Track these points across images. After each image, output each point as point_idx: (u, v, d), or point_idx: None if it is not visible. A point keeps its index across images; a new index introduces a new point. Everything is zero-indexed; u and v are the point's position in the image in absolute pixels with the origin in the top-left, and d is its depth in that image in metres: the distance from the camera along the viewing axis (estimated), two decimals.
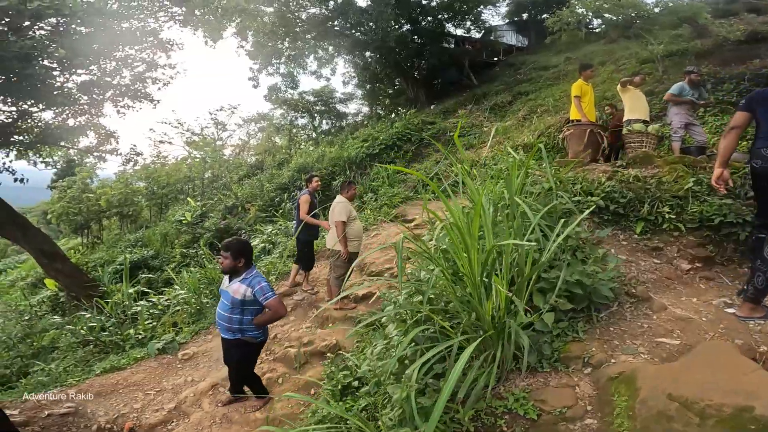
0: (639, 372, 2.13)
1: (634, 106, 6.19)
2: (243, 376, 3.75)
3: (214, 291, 6.67)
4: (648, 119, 6.27)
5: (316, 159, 13.87)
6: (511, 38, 22.78)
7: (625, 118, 6.25)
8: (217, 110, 20.15)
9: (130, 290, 7.24)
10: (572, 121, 6.36)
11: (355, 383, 3.18)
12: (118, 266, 13.12)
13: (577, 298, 2.57)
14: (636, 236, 4.10)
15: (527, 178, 4.02)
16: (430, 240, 3.64)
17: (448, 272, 2.25)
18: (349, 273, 4.35)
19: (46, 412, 4.06)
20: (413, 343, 2.38)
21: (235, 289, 3.40)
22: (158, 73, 11.90)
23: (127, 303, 6.93)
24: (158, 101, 11.74)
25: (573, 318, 2.69)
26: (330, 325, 5.11)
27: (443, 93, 19.56)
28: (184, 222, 13.86)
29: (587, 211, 2.73)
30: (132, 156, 12.44)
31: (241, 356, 3.59)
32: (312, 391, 3.80)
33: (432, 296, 2.46)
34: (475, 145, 12.08)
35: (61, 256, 10.70)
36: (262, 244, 8.66)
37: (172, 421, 3.84)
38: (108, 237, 20.39)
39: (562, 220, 2.52)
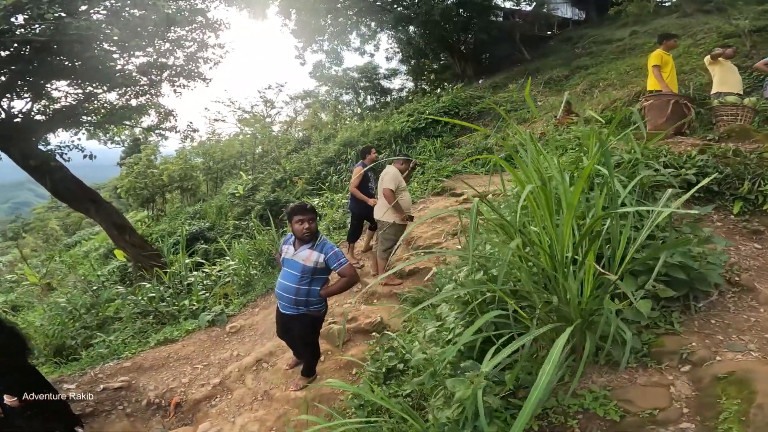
0: (755, 373, 1.73)
1: (725, 78, 5.76)
2: (309, 345, 3.45)
3: (262, 262, 6.58)
4: (741, 93, 5.77)
5: (361, 133, 13.59)
6: (566, 11, 20.91)
7: (714, 91, 5.87)
8: (266, 89, 20.16)
9: (187, 261, 7.31)
10: (651, 92, 5.79)
11: (401, 366, 2.88)
12: (178, 237, 13.58)
13: (676, 284, 2.06)
14: (733, 217, 3.44)
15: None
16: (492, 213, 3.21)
17: (523, 248, 1.83)
18: (396, 246, 4.00)
19: (102, 386, 4.08)
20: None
21: (306, 256, 3.08)
22: (209, 53, 11.98)
23: (183, 273, 6.99)
24: (210, 80, 11.80)
25: (666, 307, 2.20)
26: (375, 301, 4.82)
27: (492, 68, 18.42)
28: (236, 195, 14.11)
29: (698, 186, 2.18)
30: (189, 132, 12.69)
31: (306, 331, 3.30)
32: (354, 371, 3.53)
33: (495, 275, 2.06)
34: (528, 119, 11.21)
35: (129, 228, 11.16)
36: None
37: (216, 397, 3.73)
38: (171, 210, 21.34)
39: (669, 191, 2.00)
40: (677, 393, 1.76)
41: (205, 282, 6.60)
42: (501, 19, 18.31)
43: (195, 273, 6.78)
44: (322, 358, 3.63)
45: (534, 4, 18.89)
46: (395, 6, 16.63)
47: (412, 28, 17.63)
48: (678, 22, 14.86)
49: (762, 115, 6.03)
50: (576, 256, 1.68)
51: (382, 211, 4.83)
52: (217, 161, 19.38)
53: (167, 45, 11.24)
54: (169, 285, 6.73)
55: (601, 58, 14.51)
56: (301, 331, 3.29)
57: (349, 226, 6.06)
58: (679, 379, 1.82)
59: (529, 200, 1.67)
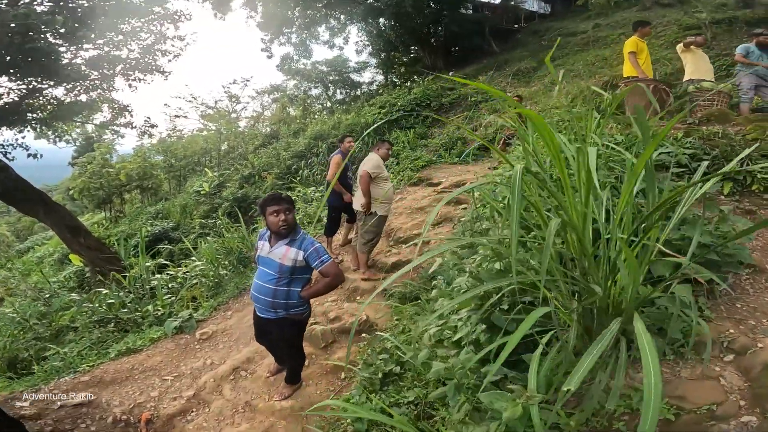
0: None
1: (697, 66, 5.91)
2: (292, 349, 3.07)
3: (232, 261, 6.12)
4: (713, 80, 5.91)
5: (331, 126, 13.22)
6: (532, 4, 21.15)
7: (686, 78, 6.01)
8: (230, 83, 19.34)
9: (148, 263, 6.71)
10: (628, 78, 5.89)
11: (397, 369, 2.60)
12: (139, 239, 12.81)
13: (706, 266, 1.87)
14: (723, 197, 3.37)
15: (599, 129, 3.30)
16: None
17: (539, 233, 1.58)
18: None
19: (59, 403, 3.59)
20: (484, 331, 1.74)
21: (284, 253, 2.69)
22: (168, 46, 11.24)
23: (145, 277, 6.42)
24: (169, 73, 11.08)
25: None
26: (358, 298, 4.51)
27: (462, 60, 18.36)
28: (202, 192, 13.39)
29: (729, 166, 2.00)
30: (147, 128, 11.84)
31: (288, 335, 2.92)
32: (342, 376, 3.22)
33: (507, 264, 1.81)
34: (499, 110, 11.16)
35: (83, 230, 10.31)
36: None
37: (192, 411, 3.31)
38: (130, 211, 20.13)
39: (703, 163, 1.80)
40: (729, 385, 1.56)
41: (170, 285, 6.07)
42: (471, 11, 18.28)
43: (158, 276, 6.22)
44: (306, 362, 3.29)
45: None
46: None
47: (382, 20, 17.30)
48: (638, 15, 15.32)
49: (733, 102, 6.19)
50: (633, 238, 1.44)
51: (361, 200, 4.53)
52: (179, 158, 18.39)
53: (120, 37, 10.46)
54: (130, 290, 6.15)
55: (566, 49, 14.69)
56: (283, 336, 2.93)
57: (325, 219, 5.70)
58: (726, 370, 1.63)
59: (558, 165, 1.41)
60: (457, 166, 8.94)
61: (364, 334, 3.47)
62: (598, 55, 12.08)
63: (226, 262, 6.13)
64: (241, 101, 21.51)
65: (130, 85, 11.11)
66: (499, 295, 1.56)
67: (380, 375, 2.53)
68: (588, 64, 11.91)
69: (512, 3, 19.28)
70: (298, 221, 2.86)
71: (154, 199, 18.87)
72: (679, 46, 6.19)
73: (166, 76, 10.72)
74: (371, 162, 4.48)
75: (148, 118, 11.72)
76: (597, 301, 1.43)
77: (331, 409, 2.50)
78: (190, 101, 18.42)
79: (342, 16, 18.64)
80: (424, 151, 9.99)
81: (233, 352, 4.21)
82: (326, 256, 2.72)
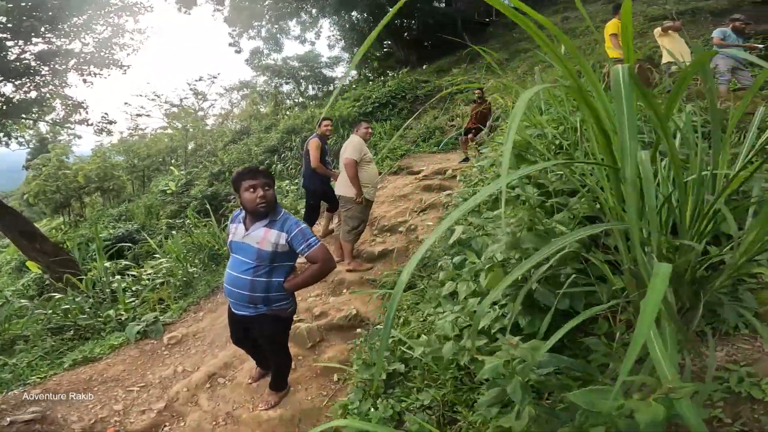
0: None
1: (675, 49, 5.99)
2: (277, 351, 2.60)
3: (203, 259, 5.59)
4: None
5: (305, 120, 12.76)
6: None
7: (664, 61, 6.17)
8: (196, 80, 18.46)
9: (107, 264, 6.07)
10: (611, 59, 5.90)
11: (402, 367, 2.23)
12: (102, 242, 11.99)
13: None
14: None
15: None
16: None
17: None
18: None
19: (9, 419, 3.04)
20: (521, 313, 1.42)
21: (262, 236, 2.24)
22: (126, 39, 10.46)
23: (105, 279, 5.79)
24: (128, 67, 10.30)
25: None
26: (345, 291, 4.12)
27: (435, 53, 18.22)
28: (168, 192, 12.61)
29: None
30: (104, 126, 10.99)
31: (271, 335, 2.46)
32: (335, 378, 2.84)
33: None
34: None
35: (39, 235, 9.44)
36: None
37: (164, 425, 2.84)
38: (92, 214, 18.89)
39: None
40: None
41: (135, 288, 5.50)
42: (443, 5, 18.15)
43: (118, 277, 5.63)
44: (293, 365, 2.88)
45: None
46: None
47: (355, 13, 16.92)
48: (604, 8, 15.67)
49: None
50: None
51: (344, 187, 4.14)
52: (142, 158, 17.35)
53: (74, 29, 9.62)
54: (89, 294, 5.54)
55: (537, 42, 14.78)
56: (265, 336, 2.47)
57: (303, 210, 5.27)
58: None
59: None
60: (436, 155, 8.81)
61: (359, 330, 3.10)
62: (580, 43, 12.07)
63: (197, 260, 5.60)
64: (208, 99, 20.65)
65: (85, 81, 10.27)
66: (548, 265, 1.23)
67: (383, 376, 2.16)
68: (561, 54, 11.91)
69: None
70: None
71: (116, 202, 17.76)
72: (657, 30, 6.30)
73: (125, 71, 9.95)
74: (352, 146, 4.11)
75: (106, 114, 10.87)
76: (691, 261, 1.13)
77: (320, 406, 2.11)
78: (152, 99, 17.47)
79: (314, 10, 18.11)
80: (402, 141, 9.75)
81: (208, 357, 3.74)
82: (313, 238, 2.29)
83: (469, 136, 7.09)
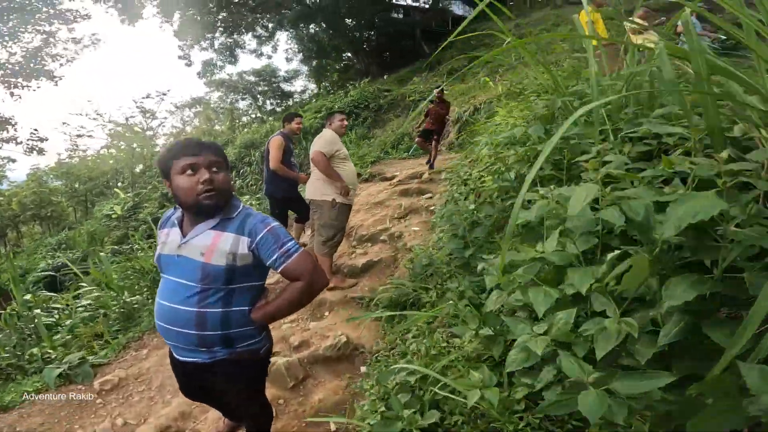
0: None
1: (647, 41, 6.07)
2: (250, 405, 1.77)
3: (147, 285, 4.74)
4: None
5: (264, 134, 12.06)
6: (458, 8, 21.76)
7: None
8: (144, 97, 17.27)
9: (26, 296, 5.04)
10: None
11: (436, 416, 1.53)
12: (39, 274, 10.61)
13: None
14: None
15: None
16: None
17: None
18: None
19: None
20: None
21: (209, 245, 1.47)
22: (59, 49, 9.45)
23: (28, 314, 4.79)
24: (60, 78, 9.29)
25: None
26: (326, 314, 3.45)
27: (395, 64, 18.13)
28: (114, 216, 11.40)
29: None
30: (34, 144, 9.80)
31: (240, 387, 1.66)
32: (333, 429, 2.15)
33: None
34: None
35: None
36: None
37: None
38: (30, 244, 16.97)
39: None
40: None
41: (68, 322, 4.56)
42: (402, 15, 18.14)
43: (37, 311, 4.68)
44: (273, 412, 2.12)
45: (431, 2, 19.09)
46: (295, 4, 15.39)
47: (313, 25, 16.51)
48: (554, 12, 16.27)
49: None
50: None
51: (315, 189, 3.52)
52: (83, 182, 15.79)
53: None
54: (10, 330, 4.56)
55: (494, 47, 14.98)
56: (231, 390, 1.66)
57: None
58: None
59: None
60: (407, 160, 8.43)
61: (363, 368, 2.42)
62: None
63: (139, 286, 4.73)
64: (157, 117, 19.41)
65: (12, 94, 9.14)
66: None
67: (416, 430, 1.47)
68: (519, 58, 11.89)
69: (440, 6, 19.49)
70: None
71: (56, 229, 16.04)
72: (631, 34, 6.35)
73: (56, 82, 8.92)
74: (323, 139, 3.51)
75: (35, 130, 9.71)
76: None
77: None
78: (94, 119, 16.05)
79: (270, 24, 17.50)
80: (370, 148, 9.37)
81: (157, 406, 2.96)
82: (291, 242, 1.53)
83: (433, 137, 6.71)
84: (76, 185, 15.61)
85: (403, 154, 8.93)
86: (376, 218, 5.08)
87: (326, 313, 3.39)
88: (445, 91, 7.19)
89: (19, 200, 14.98)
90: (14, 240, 17.39)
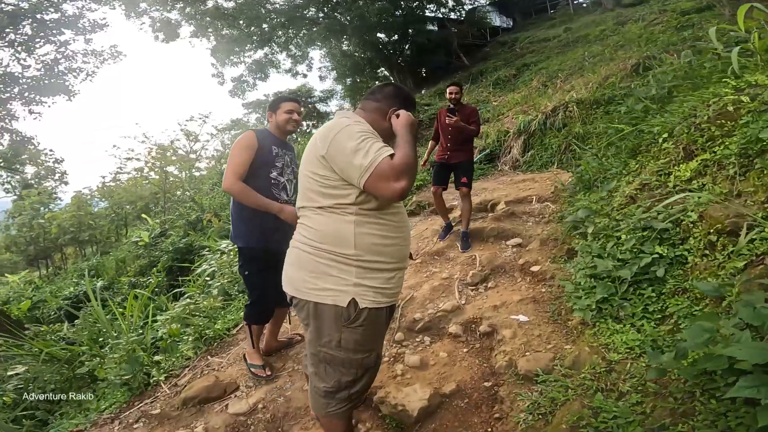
0: None
1: None
2: None
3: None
4: None
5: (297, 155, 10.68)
6: (495, 20, 20.02)
7: None
8: (187, 120, 16.61)
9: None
10: None
11: None
12: (61, 302, 9.67)
13: None
14: None
15: None
16: None
17: None
18: None
19: None
20: None
21: None
22: (78, 62, 8.54)
23: None
24: (76, 93, 8.32)
25: None
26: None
27: (431, 78, 16.61)
28: (140, 244, 10.36)
29: None
30: (56, 167, 8.91)
31: None
32: None
33: None
34: (490, 119, 9.00)
35: None
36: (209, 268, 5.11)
37: None
38: (72, 267, 16.55)
39: None
40: None
41: None
42: (436, 28, 16.67)
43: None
44: None
45: (465, 13, 17.54)
46: (322, 17, 14.29)
47: (345, 40, 15.34)
48: (601, 17, 14.37)
49: None
50: None
51: None
52: (122, 205, 15.15)
53: (11, 51, 7.73)
54: None
55: (544, 53, 13.13)
56: None
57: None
58: None
59: None
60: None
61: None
62: (607, 44, 10.04)
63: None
64: (199, 140, 18.79)
65: (30, 111, 8.29)
66: None
67: None
68: (601, 53, 9.80)
69: (476, 17, 17.90)
70: None
71: (96, 254, 15.44)
72: None
73: (70, 97, 7.94)
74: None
75: (51, 151, 8.83)
76: None
77: None
78: (142, 141, 15.49)
79: (302, 42, 16.46)
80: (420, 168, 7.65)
81: None
82: None
83: (462, 179, 3.83)
84: (116, 208, 14.99)
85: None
86: (434, 284, 3.19)
87: None
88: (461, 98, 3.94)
89: (59, 223, 14.49)
90: (58, 262, 17.05)
